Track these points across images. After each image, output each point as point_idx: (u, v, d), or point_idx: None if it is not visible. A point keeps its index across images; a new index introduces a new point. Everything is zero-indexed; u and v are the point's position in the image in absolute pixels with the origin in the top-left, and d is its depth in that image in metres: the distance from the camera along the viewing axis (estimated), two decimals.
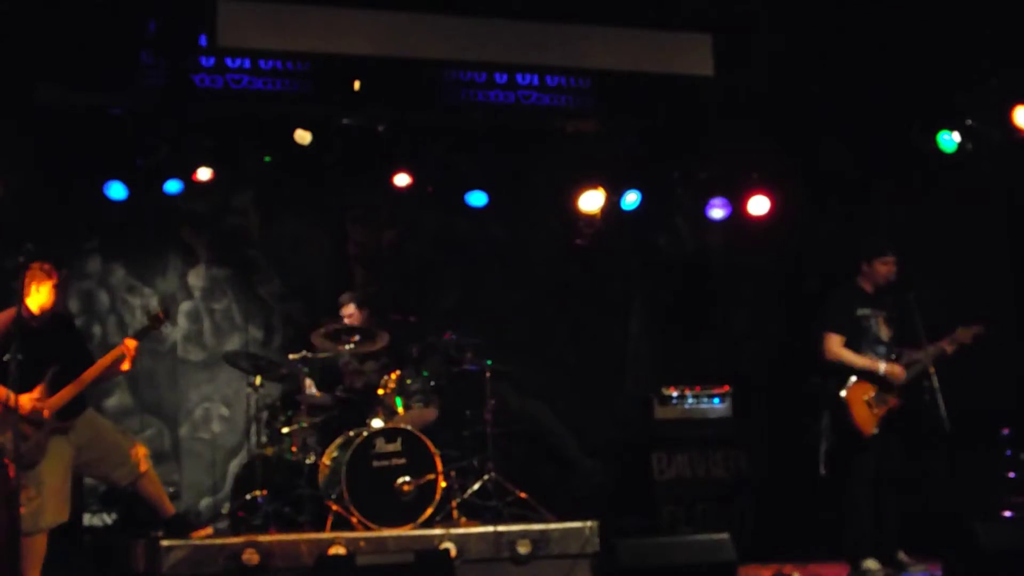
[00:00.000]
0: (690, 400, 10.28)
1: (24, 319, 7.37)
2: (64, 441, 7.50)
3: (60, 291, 7.57)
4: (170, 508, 7.97)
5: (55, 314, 7.64)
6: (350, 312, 9.53)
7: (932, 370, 7.94)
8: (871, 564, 8.06)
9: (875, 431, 8.18)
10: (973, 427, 8.63)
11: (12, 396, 6.83)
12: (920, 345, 8.15)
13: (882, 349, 8.33)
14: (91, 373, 7.55)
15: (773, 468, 10.45)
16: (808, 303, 9.52)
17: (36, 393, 7.32)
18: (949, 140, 9.44)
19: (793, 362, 9.63)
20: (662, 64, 9.26)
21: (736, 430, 10.32)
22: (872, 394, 8.21)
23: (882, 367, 8.22)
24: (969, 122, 9.28)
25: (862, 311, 8.37)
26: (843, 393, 8.23)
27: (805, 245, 10.83)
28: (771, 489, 10.31)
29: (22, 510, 7.14)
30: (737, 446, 10.29)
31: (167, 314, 8.16)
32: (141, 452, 7.81)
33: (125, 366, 7.68)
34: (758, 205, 10.54)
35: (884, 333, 8.35)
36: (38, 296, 7.50)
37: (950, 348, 8.13)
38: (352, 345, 9.12)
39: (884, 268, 8.32)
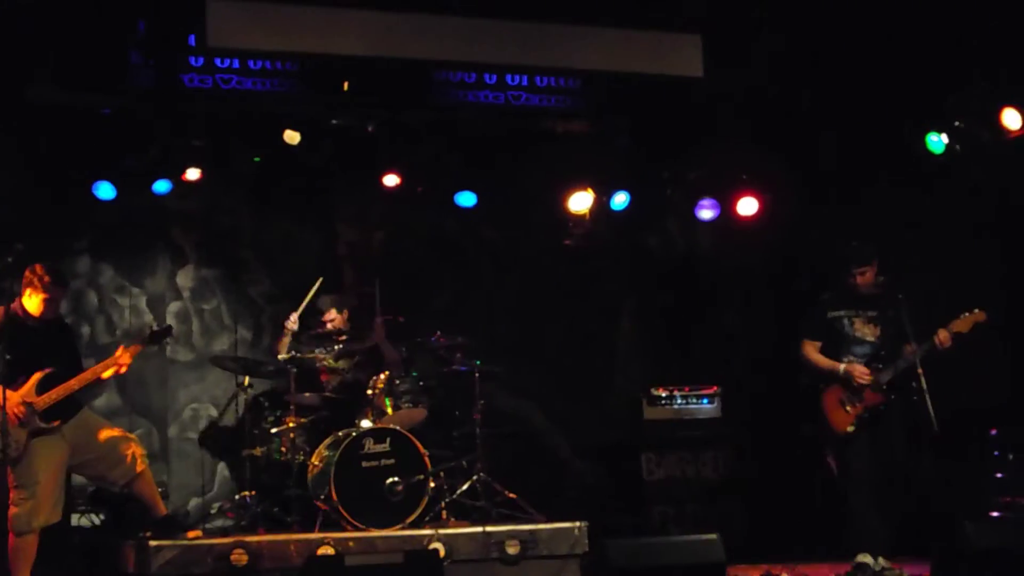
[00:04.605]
0: (679, 400, 10.28)
1: (18, 317, 7.41)
2: (59, 441, 7.52)
3: (50, 306, 7.59)
4: (162, 509, 7.99)
5: (47, 318, 7.65)
6: (332, 317, 9.51)
7: (920, 370, 7.94)
8: (865, 559, 8.07)
9: (851, 429, 8.20)
10: (962, 427, 8.65)
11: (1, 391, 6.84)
12: (908, 345, 8.15)
13: (863, 349, 8.33)
14: (81, 379, 7.57)
15: (762, 468, 10.46)
16: (798, 304, 9.53)
17: (23, 391, 7.33)
18: (938, 141, 9.47)
19: (782, 362, 9.64)
20: (652, 65, 9.27)
21: (725, 430, 10.32)
22: (843, 394, 8.23)
23: (841, 368, 8.25)
24: (958, 123, 9.30)
25: (835, 313, 8.40)
26: (821, 398, 8.32)
27: (795, 245, 10.84)
28: (760, 489, 10.32)
29: (15, 510, 7.18)
30: (726, 446, 10.30)
31: (170, 330, 8.20)
32: (138, 452, 7.82)
33: (122, 369, 7.73)
34: (747, 206, 10.56)
35: (866, 333, 8.34)
36: (29, 302, 7.53)
37: (947, 341, 8.10)
38: (340, 346, 9.15)
39: (863, 276, 8.33)
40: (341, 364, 9.36)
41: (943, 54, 9.07)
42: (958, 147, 9.35)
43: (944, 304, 8.55)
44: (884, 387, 8.18)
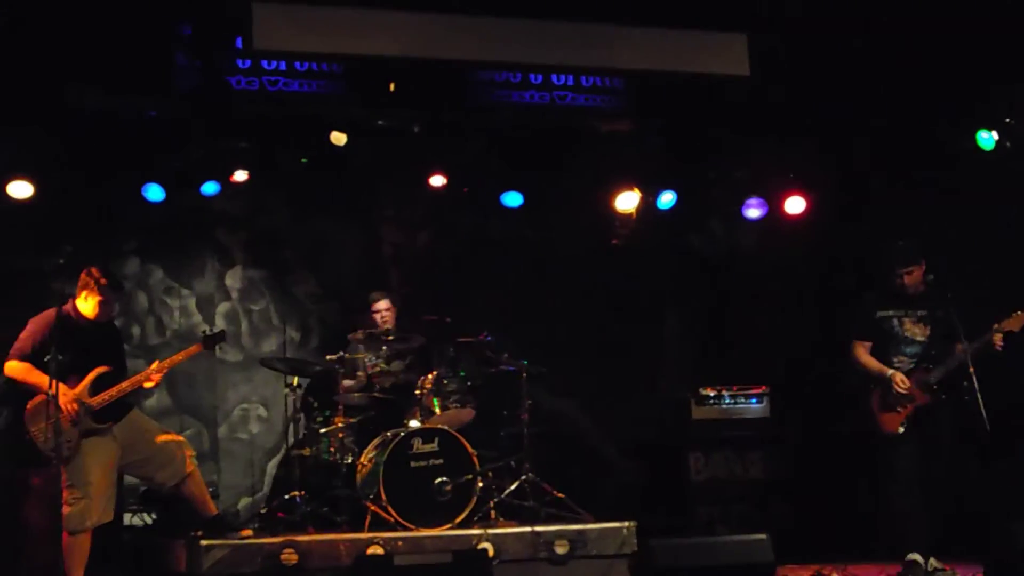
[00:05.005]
0: (727, 400, 10.24)
1: (70, 318, 7.49)
2: (111, 441, 7.60)
3: (105, 308, 7.67)
4: (213, 509, 8.05)
5: (100, 320, 7.73)
6: (386, 307, 9.57)
7: (972, 369, 7.90)
8: (915, 557, 8.04)
9: (901, 429, 8.18)
10: (1013, 425, 8.58)
11: (55, 385, 6.90)
12: (959, 344, 8.11)
13: (913, 349, 8.32)
14: (132, 382, 7.64)
15: (808, 468, 10.41)
16: (842, 303, 9.50)
17: (78, 390, 7.40)
18: (988, 138, 9.42)
19: (828, 362, 9.62)
20: (698, 64, 9.26)
21: (773, 430, 10.28)
22: (892, 395, 8.21)
23: (888, 372, 8.24)
24: (1008, 120, 9.25)
25: (883, 313, 8.39)
26: (870, 398, 8.31)
27: (842, 244, 10.79)
28: (807, 489, 10.28)
29: (69, 509, 7.25)
30: (775, 446, 10.25)
31: (224, 336, 8.28)
32: (187, 453, 7.89)
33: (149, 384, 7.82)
34: (795, 205, 10.53)
35: (916, 333, 8.33)
36: (84, 304, 7.61)
37: (999, 341, 8.07)
38: (385, 347, 9.20)
39: (910, 276, 8.30)
40: (394, 367, 9.39)
41: (983, 51, 9.02)
42: (1008, 143, 9.30)
43: (990, 303, 8.51)
44: (934, 387, 8.15)
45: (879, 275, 8.55)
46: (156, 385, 7.98)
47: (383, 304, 9.65)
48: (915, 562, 8.01)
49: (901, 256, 8.32)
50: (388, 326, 9.51)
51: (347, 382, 9.32)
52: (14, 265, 9.55)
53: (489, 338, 9.45)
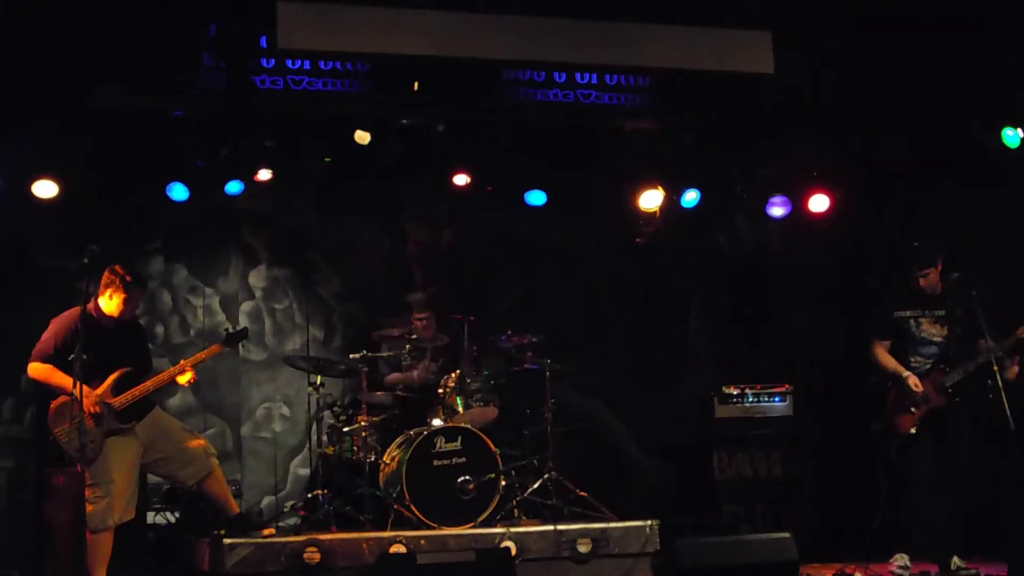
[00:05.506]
0: (751, 399, 10.22)
1: (92, 318, 7.52)
2: (132, 440, 7.63)
3: (129, 306, 7.69)
4: (235, 507, 8.07)
5: (124, 318, 7.75)
6: (428, 315, 9.62)
7: (996, 368, 7.86)
8: (897, 559, 8.06)
9: (914, 430, 8.16)
10: None
11: (79, 386, 6.93)
12: (982, 341, 8.07)
13: (930, 349, 8.31)
14: (156, 381, 7.67)
15: (833, 467, 10.38)
16: (867, 302, 9.47)
17: (101, 391, 7.43)
18: (1013, 135, 9.38)
19: (852, 361, 9.57)
20: (722, 62, 9.25)
21: (797, 429, 10.25)
22: (907, 396, 8.19)
23: (904, 373, 8.24)
24: None
25: (901, 313, 8.38)
26: (887, 396, 8.31)
27: (865, 243, 10.75)
28: (831, 488, 10.24)
29: (91, 508, 7.27)
30: (798, 445, 10.23)
31: (246, 332, 8.30)
32: (208, 452, 7.91)
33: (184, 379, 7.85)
34: (818, 203, 10.49)
35: (933, 333, 8.31)
36: (108, 303, 7.63)
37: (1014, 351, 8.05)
38: (409, 346, 9.22)
39: (926, 278, 8.27)
40: (423, 365, 9.42)
41: (1016, 47, 8.98)
42: None
43: (1015, 304, 8.47)
44: (948, 390, 8.12)
45: (897, 275, 8.53)
46: (190, 382, 7.99)
47: (427, 314, 9.69)
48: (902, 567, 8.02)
49: (917, 258, 8.30)
50: (424, 334, 9.55)
51: (395, 375, 9.36)
52: (40, 264, 9.62)
53: (513, 337, 9.44)
